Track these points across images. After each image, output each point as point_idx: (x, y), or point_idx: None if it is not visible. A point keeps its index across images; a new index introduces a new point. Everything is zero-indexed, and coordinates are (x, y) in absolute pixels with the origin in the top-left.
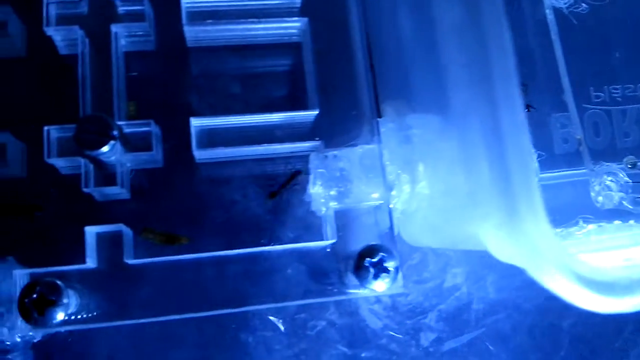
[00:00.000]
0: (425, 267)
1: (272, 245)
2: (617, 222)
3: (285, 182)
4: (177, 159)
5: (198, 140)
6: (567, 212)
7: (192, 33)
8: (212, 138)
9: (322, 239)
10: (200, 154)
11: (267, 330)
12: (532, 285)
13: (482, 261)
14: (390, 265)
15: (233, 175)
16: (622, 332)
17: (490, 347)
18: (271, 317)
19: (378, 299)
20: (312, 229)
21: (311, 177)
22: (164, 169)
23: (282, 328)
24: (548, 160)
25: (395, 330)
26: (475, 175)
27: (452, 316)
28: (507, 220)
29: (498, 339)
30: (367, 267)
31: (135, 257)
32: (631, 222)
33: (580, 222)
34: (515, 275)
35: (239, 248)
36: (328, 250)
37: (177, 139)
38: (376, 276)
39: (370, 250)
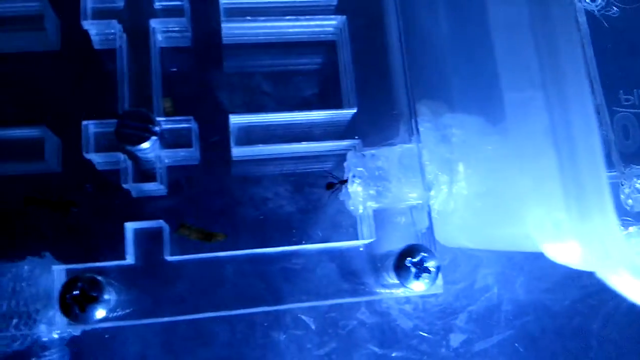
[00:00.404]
0: (456, 268)
1: (303, 243)
2: None
3: (344, 180)
4: (214, 156)
5: (236, 138)
6: None
7: (229, 30)
8: (249, 135)
9: (352, 238)
10: (237, 152)
11: (298, 329)
12: (561, 288)
13: (512, 263)
14: (431, 265)
15: (265, 173)
16: None
17: (520, 349)
18: (302, 316)
19: (408, 300)
20: (341, 228)
21: (350, 175)
22: (200, 165)
23: (313, 327)
24: None
25: (426, 331)
26: (532, 176)
27: (482, 317)
28: (577, 222)
29: (527, 340)
30: (408, 267)
31: (172, 254)
32: None
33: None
34: (544, 278)
35: (270, 246)
36: (361, 249)
37: (214, 135)
38: (417, 276)
39: (411, 250)
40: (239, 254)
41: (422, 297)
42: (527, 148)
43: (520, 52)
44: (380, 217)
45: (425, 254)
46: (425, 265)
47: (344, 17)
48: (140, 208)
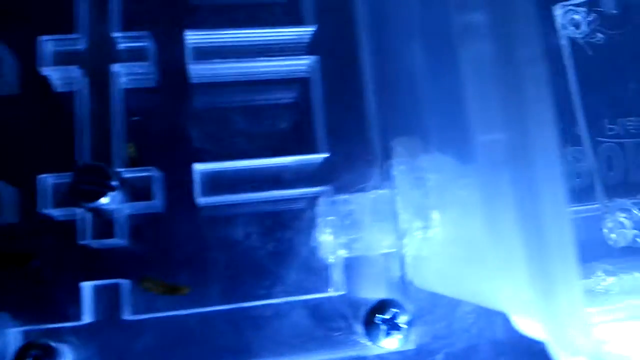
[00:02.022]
0: (434, 307)
1: (276, 288)
2: (637, 274)
3: None
4: (179, 203)
5: (201, 186)
6: (579, 250)
7: (197, 71)
8: (216, 182)
9: (328, 285)
10: (203, 201)
11: None
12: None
13: None
14: (402, 321)
15: (236, 215)
16: None
17: None
18: None
19: None
20: (317, 271)
21: (320, 223)
22: (164, 213)
23: None
24: None
25: None
26: (500, 233)
27: (460, 358)
28: (542, 305)
29: None
30: (377, 324)
31: (134, 311)
32: None
33: (599, 273)
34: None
35: (241, 291)
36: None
37: (179, 183)
38: (388, 333)
39: (381, 306)
40: (205, 311)
41: None
42: (494, 202)
43: (486, 92)
44: (353, 266)
45: (397, 310)
46: (396, 321)
47: (316, 57)
48: (101, 260)
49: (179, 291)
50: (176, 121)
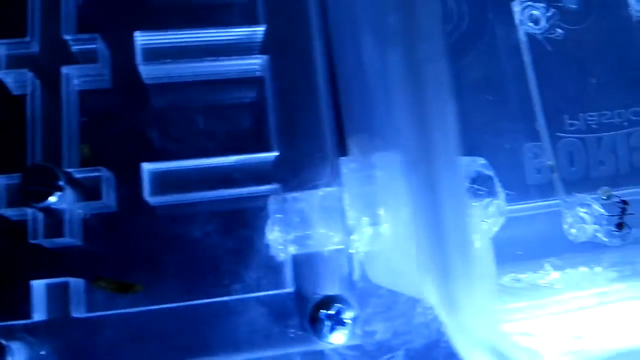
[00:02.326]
0: (393, 304)
1: (234, 286)
2: (582, 268)
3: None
4: (134, 203)
5: (152, 185)
6: (539, 245)
7: (149, 72)
8: (167, 182)
9: (283, 282)
10: (153, 200)
11: None
12: None
13: None
14: (347, 316)
15: (193, 213)
16: None
17: None
18: None
19: None
20: (276, 269)
21: (269, 221)
22: (118, 212)
23: None
24: (520, 191)
25: None
26: (417, 229)
27: (421, 354)
28: (442, 290)
29: None
30: (322, 320)
31: (88, 308)
32: (598, 269)
33: (547, 266)
34: None
35: (197, 289)
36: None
37: (131, 182)
38: (332, 329)
39: (325, 302)
40: (158, 308)
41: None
42: (412, 198)
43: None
44: (305, 263)
45: (341, 305)
46: (340, 317)
47: (267, 56)
48: (55, 259)
49: (132, 289)
50: (132, 122)
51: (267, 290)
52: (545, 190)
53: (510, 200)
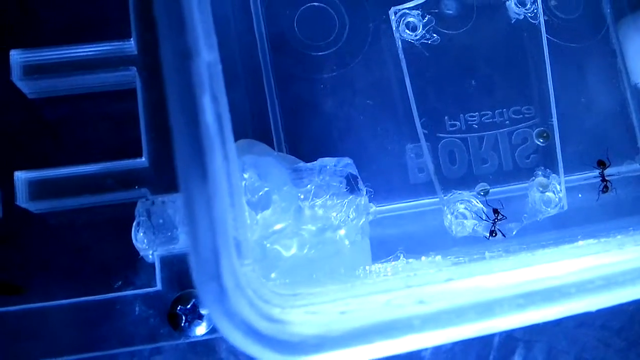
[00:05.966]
0: None
1: (113, 286)
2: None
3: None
4: (19, 211)
5: (29, 192)
6: (422, 241)
7: (29, 87)
8: (43, 189)
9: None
10: (30, 206)
11: None
12: None
13: None
14: (204, 310)
15: (83, 219)
16: None
17: None
18: None
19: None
20: (147, 269)
21: (134, 225)
22: (3, 219)
23: None
24: (404, 190)
25: None
26: None
27: None
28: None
29: None
30: (179, 315)
31: None
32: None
33: (400, 256)
34: None
35: (81, 289)
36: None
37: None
38: (189, 322)
39: (182, 297)
40: (38, 306)
41: None
42: None
43: None
44: (172, 264)
45: (196, 299)
46: (198, 310)
47: (134, 68)
48: None
49: (15, 291)
50: (21, 134)
51: (139, 289)
52: (428, 188)
53: (394, 199)
